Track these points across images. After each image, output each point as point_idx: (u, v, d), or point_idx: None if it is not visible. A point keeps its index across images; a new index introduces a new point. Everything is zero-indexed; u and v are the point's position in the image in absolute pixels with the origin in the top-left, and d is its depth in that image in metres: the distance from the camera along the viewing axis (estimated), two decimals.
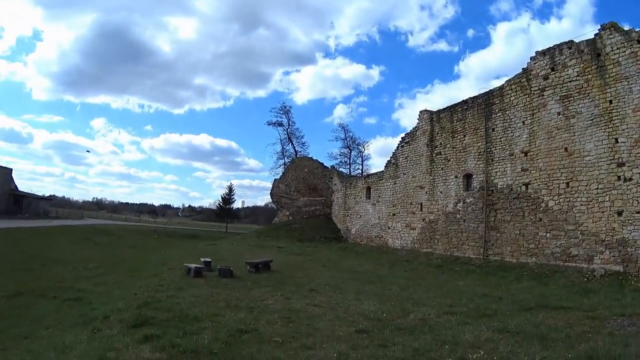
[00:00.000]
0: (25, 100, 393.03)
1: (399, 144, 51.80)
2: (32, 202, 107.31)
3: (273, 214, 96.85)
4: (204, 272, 28.66)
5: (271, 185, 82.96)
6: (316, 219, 70.09)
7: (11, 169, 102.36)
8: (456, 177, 42.61)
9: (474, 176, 40.70)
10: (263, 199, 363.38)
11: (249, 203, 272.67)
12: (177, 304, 18.76)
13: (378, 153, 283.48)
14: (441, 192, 44.34)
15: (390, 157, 53.51)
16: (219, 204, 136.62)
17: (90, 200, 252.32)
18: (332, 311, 18.77)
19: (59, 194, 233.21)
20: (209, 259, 32.58)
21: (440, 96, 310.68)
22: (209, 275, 28.49)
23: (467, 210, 40.80)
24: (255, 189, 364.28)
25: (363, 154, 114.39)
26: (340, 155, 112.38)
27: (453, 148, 43.26)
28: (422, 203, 46.99)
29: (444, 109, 45.28)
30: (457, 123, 42.81)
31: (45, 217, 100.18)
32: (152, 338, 13.43)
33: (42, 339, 17.31)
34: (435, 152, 45.70)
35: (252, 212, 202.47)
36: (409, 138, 50.03)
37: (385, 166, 54.72)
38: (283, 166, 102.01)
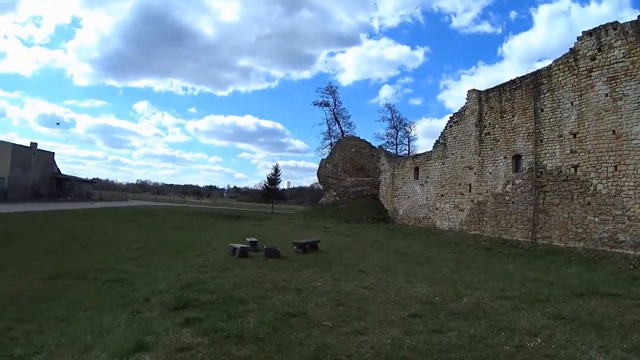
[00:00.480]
0: (66, 86, 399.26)
1: (447, 124, 50.76)
2: (75, 185, 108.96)
3: (319, 195, 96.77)
4: (250, 253, 27.78)
5: (318, 166, 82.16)
6: (363, 199, 69.06)
7: (53, 153, 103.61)
8: (505, 157, 41.46)
9: (523, 157, 39.69)
10: (309, 180, 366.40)
11: (294, 184, 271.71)
12: (221, 285, 18.04)
13: (424, 134, 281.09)
14: (490, 173, 43.22)
15: (439, 137, 52.44)
16: (265, 185, 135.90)
17: (134, 182, 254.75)
18: (383, 294, 17.92)
19: (103, 177, 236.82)
20: (254, 239, 31.85)
21: (485, 78, 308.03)
22: (254, 255, 27.63)
23: (515, 192, 39.76)
24: (300, 170, 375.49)
25: (409, 135, 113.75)
26: (387, 135, 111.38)
27: (502, 128, 42.10)
28: (470, 184, 45.96)
29: (492, 88, 44.13)
30: (506, 103, 41.62)
31: (87, 200, 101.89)
32: (194, 321, 12.77)
33: (79, 322, 17.34)
34: (484, 132, 44.51)
35: (298, 193, 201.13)
36: (458, 118, 48.94)
37: (433, 146, 53.63)
38: (329, 146, 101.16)
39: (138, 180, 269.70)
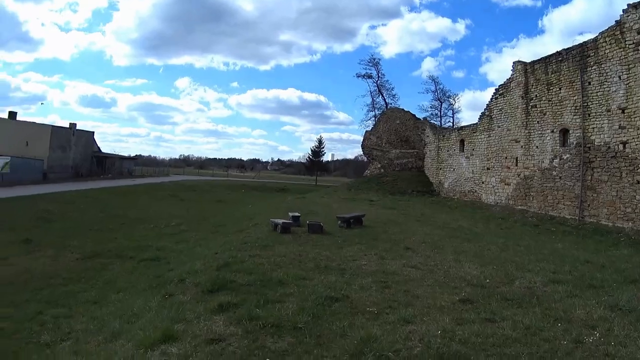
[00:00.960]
0: (106, 67, 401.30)
1: (492, 96, 49.15)
2: (116, 162, 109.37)
3: (363, 167, 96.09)
4: (292, 228, 26.68)
5: (362, 138, 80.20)
6: (408, 172, 67.81)
7: (92, 132, 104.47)
8: (552, 131, 39.70)
9: (570, 131, 37.68)
10: (353, 152, 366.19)
11: (338, 156, 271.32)
12: (260, 265, 17.17)
13: (467, 107, 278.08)
14: (537, 146, 41.58)
15: (484, 109, 50.87)
16: (309, 157, 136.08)
17: (177, 157, 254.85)
18: (431, 274, 16.81)
19: (145, 154, 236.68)
20: (297, 214, 30.76)
21: (526, 51, 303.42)
22: (297, 231, 26.55)
23: (563, 167, 38.08)
24: (344, 142, 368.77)
25: (454, 107, 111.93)
26: (431, 107, 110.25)
27: (549, 101, 40.26)
28: (517, 158, 44.34)
29: (538, 60, 42.35)
30: (552, 75, 39.72)
31: (129, 177, 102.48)
32: (228, 307, 11.90)
33: (110, 305, 16.78)
34: (530, 104, 42.78)
35: (342, 165, 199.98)
36: (503, 90, 47.26)
37: (479, 118, 52.05)
38: (373, 118, 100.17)
39: (181, 155, 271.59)
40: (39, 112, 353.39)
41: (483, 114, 51.16)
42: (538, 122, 41.60)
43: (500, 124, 47.58)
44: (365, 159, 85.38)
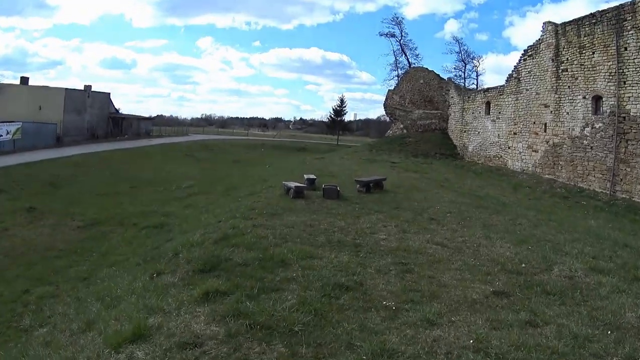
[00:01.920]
0: (126, 29, 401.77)
1: (521, 57, 46.84)
2: (133, 123, 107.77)
3: (385, 127, 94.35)
4: (306, 192, 24.48)
5: (384, 97, 77.69)
6: (431, 133, 65.63)
7: (109, 93, 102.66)
8: (584, 97, 37.48)
9: (603, 99, 35.77)
10: (375, 112, 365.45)
11: (361, 116, 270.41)
12: (263, 238, 15.00)
13: (490, 71, 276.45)
14: (567, 113, 39.38)
15: (512, 71, 48.64)
16: (330, 116, 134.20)
17: (199, 117, 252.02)
18: (459, 254, 14.54)
19: (167, 114, 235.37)
20: (313, 176, 28.52)
21: (551, 15, 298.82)
22: (311, 195, 24.39)
23: (594, 136, 36.08)
24: (367, 102, 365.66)
25: (477, 69, 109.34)
26: (454, 69, 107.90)
27: (581, 65, 37.90)
28: (546, 123, 42.23)
29: (570, 21, 39.78)
30: (585, 38, 37.32)
31: (146, 137, 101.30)
32: (215, 296, 9.91)
33: (98, 283, 15.70)
34: (561, 68, 40.36)
35: (365, 125, 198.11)
36: (532, 51, 44.85)
37: (506, 80, 49.81)
38: (396, 78, 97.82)
39: (203, 114, 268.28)
40: (59, 76, 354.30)
41: (510, 75, 48.91)
42: (569, 86, 39.36)
43: (528, 87, 45.40)
44: (388, 119, 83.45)
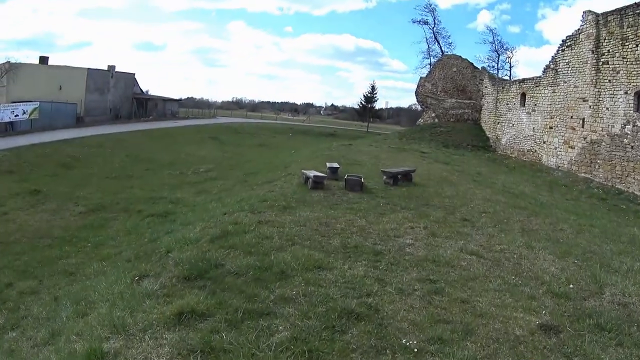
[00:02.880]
0: (157, 12, 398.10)
1: (559, 47, 43.82)
2: (158, 104, 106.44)
3: (416, 116, 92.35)
4: (326, 182, 22.23)
5: (416, 85, 75.01)
6: (463, 123, 63.39)
7: (133, 74, 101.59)
8: (626, 93, 34.59)
9: None
10: (407, 101, 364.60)
11: (392, 104, 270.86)
12: (267, 239, 12.92)
13: (522, 63, 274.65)
14: (607, 108, 36.51)
15: (549, 62, 45.67)
16: (361, 102, 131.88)
17: (230, 100, 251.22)
18: (497, 268, 12.29)
19: (197, 96, 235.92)
20: (336, 165, 25.99)
21: (585, 8, 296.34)
22: (332, 186, 22.13)
23: (636, 135, 33.39)
24: (399, 90, 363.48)
25: (511, 60, 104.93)
26: (487, 59, 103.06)
27: (623, 58, 35.08)
28: (584, 119, 39.27)
29: (612, 11, 36.81)
30: (629, 29, 34.51)
31: (172, 119, 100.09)
32: (190, 320, 8.11)
33: (81, 281, 14.67)
34: (601, 60, 37.48)
35: (396, 113, 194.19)
36: (571, 41, 41.78)
37: (543, 71, 46.91)
38: (428, 66, 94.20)
39: (233, 97, 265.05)
40: (87, 57, 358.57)
41: (548, 66, 45.98)
42: (609, 80, 36.55)
43: (566, 79, 42.46)
44: (419, 108, 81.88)
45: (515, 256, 13.59)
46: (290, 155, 44.97)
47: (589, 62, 38.77)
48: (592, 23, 38.58)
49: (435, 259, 12.31)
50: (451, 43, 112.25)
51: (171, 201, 27.20)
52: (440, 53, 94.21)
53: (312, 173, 22.05)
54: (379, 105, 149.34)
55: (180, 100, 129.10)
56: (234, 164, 43.56)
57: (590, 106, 38.35)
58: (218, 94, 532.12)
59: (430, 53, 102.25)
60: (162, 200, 27.85)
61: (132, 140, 58.14)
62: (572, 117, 40.79)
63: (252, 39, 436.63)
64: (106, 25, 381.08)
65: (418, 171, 28.15)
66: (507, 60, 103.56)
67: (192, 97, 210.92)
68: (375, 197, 20.27)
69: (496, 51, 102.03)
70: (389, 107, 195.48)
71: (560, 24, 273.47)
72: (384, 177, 24.63)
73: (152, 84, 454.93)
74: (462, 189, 25.76)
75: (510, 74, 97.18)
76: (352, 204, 18.45)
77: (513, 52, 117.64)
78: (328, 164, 26.04)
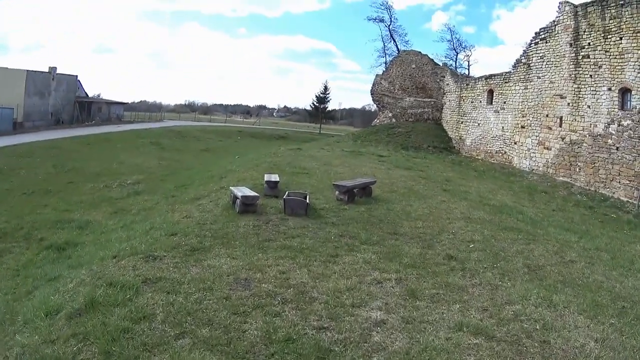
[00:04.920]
0: (108, 14, 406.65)
1: (531, 40, 40.03)
2: (103, 107, 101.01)
3: (370, 117, 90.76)
4: (260, 203, 17.03)
5: (372, 84, 70.38)
6: (423, 123, 59.37)
7: (76, 76, 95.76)
8: (610, 89, 31.57)
9: (633, 92, 30.21)
10: (360, 102, 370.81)
11: (345, 105, 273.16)
12: (142, 322, 8.23)
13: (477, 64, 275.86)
14: (588, 106, 33.24)
15: (520, 56, 42.06)
16: (313, 103, 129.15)
17: (183, 103, 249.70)
18: (520, 357, 7.87)
19: (150, 100, 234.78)
20: (275, 178, 20.83)
21: (538, 14, 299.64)
22: (268, 207, 17.08)
23: (622, 135, 30.43)
24: (352, 91, 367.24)
25: (470, 59, 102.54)
26: (445, 57, 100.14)
27: (605, 52, 32.12)
28: (561, 117, 35.75)
29: (592, 1, 33.81)
30: (611, 21, 31.71)
31: (116, 123, 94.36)
32: None
33: None
34: (581, 54, 34.27)
35: (349, 114, 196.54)
36: (546, 34, 38.27)
37: (513, 66, 43.14)
38: (384, 65, 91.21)
39: (186, 100, 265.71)
40: (41, 60, 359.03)
41: (519, 60, 42.20)
42: (591, 76, 33.32)
43: (540, 75, 38.81)
44: (375, 107, 78.80)
45: (537, 327, 8.99)
46: (232, 162, 40.24)
47: (566, 55, 35.55)
48: (569, 14, 35.45)
49: (424, 349, 7.46)
50: (408, 41, 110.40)
51: (79, 226, 22.24)
52: (397, 51, 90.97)
53: (241, 192, 16.78)
54: (332, 106, 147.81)
55: (126, 103, 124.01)
56: (169, 173, 39.30)
57: (569, 103, 35.00)
58: (171, 97, 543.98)
59: (386, 52, 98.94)
60: (70, 224, 22.83)
61: (66, 148, 52.75)
62: (547, 115, 37.29)
63: (205, 41, 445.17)
64: (60, 27, 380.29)
65: (378, 179, 23.88)
66: (465, 59, 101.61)
67: (145, 101, 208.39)
68: (324, 225, 15.30)
69: (454, 49, 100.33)
70: (342, 107, 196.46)
71: (515, 24, 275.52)
72: (337, 191, 19.52)
73: (106, 88, 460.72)
74: (434, 204, 21.03)
75: (469, 73, 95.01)
76: (290, 239, 13.48)
77: (472, 50, 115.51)
78: (266, 176, 21.15)
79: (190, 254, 11.65)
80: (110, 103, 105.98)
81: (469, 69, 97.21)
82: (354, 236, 14.05)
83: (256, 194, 16.75)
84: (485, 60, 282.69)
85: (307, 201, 16.75)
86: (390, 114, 63.24)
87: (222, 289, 9.42)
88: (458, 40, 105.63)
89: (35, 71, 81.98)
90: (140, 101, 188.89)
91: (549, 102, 37.09)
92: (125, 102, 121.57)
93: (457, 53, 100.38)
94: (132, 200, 27.56)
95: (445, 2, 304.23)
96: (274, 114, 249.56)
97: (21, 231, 22.59)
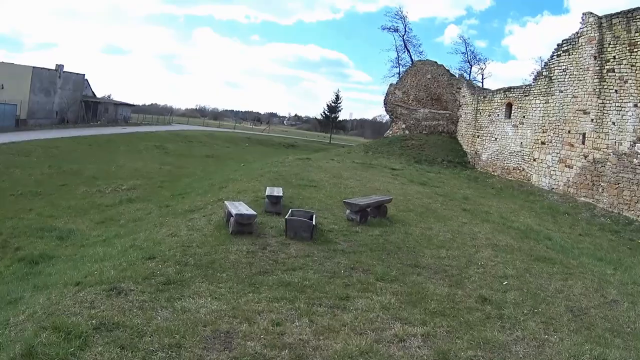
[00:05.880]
0: (123, 16, 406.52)
1: (554, 52, 37.79)
2: (109, 108, 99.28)
3: (381, 128, 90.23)
4: (259, 221, 14.83)
5: (385, 94, 67.77)
6: (438, 136, 56.98)
7: (83, 74, 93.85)
8: (636, 105, 29.29)
9: None
10: (371, 113, 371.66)
11: (356, 116, 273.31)
12: None
13: (490, 78, 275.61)
14: (613, 123, 30.90)
15: (542, 68, 40.05)
16: (324, 112, 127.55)
17: (193, 108, 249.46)
18: None
19: (162, 103, 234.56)
20: (279, 192, 18.44)
21: (549, 30, 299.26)
22: (267, 226, 14.88)
23: None
24: (363, 102, 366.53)
25: (484, 72, 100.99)
26: (459, 70, 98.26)
27: (632, 66, 29.81)
28: (584, 134, 33.31)
29: (617, 13, 31.92)
30: (637, 34, 29.70)
31: (122, 124, 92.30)
32: None
33: None
34: (606, 67, 32.02)
35: (360, 125, 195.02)
36: (569, 46, 35.92)
37: (533, 79, 41.28)
38: (397, 75, 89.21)
39: (197, 105, 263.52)
40: (53, 58, 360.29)
41: (540, 73, 39.97)
42: (616, 91, 30.98)
43: (563, 89, 36.44)
44: (386, 119, 77.59)
45: None
46: (236, 170, 38.31)
47: (590, 69, 33.22)
48: (593, 26, 33.43)
49: None
50: (422, 52, 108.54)
51: (60, 236, 20.04)
52: (411, 62, 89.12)
53: (236, 209, 14.51)
54: (342, 116, 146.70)
55: (134, 105, 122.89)
56: (168, 180, 37.16)
57: (592, 119, 32.67)
58: (182, 101, 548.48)
59: (400, 62, 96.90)
60: (51, 233, 20.62)
61: (66, 148, 51.07)
62: (569, 131, 34.95)
63: (218, 47, 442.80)
64: (74, 27, 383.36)
65: (392, 196, 21.34)
66: (479, 72, 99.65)
67: (155, 104, 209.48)
68: (332, 253, 12.99)
69: (469, 62, 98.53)
70: (352, 118, 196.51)
71: (527, 39, 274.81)
72: (348, 210, 17.18)
73: (117, 89, 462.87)
74: (455, 226, 18.75)
75: (483, 86, 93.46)
76: (290, 272, 11.15)
77: (486, 63, 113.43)
78: (268, 189, 18.77)
79: (164, 289, 9.46)
80: (118, 104, 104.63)
81: (482, 82, 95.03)
82: (367, 269, 11.79)
83: (253, 213, 14.41)
84: (497, 75, 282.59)
85: (314, 222, 14.41)
86: (403, 125, 61.13)
87: (194, 347, 7.13)
88: (472, 52, 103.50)
89: (42, 68, 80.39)
90: (151, 104, 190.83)
91: (572, 118, 34.88)
92: (133, 103, 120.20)
93: (471, 65, 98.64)
94: (123, 209, 25.62)
95: (457, 15, 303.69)
96: (285, 122, 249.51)
97: None
